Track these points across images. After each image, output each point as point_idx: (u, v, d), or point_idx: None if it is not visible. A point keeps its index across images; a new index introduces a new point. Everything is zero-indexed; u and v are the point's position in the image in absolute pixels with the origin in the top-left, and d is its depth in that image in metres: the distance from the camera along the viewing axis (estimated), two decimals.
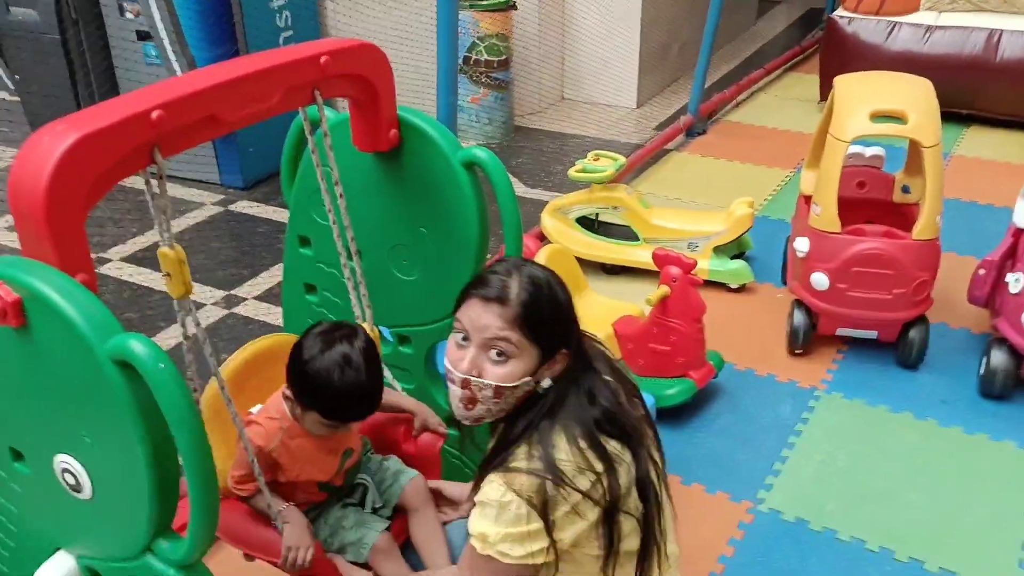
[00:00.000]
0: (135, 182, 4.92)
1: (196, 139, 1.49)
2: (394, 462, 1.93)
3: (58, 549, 1.51)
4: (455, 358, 1.50)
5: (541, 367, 1.49)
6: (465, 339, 1.49)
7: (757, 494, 2.56)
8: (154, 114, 1.36)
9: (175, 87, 1.45)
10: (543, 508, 1.41)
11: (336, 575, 1.74)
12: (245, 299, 3.59)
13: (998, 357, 2.84)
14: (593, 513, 1.43)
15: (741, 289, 3.57)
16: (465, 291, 1.51)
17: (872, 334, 3.06)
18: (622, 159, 3.58)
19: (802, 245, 3.01)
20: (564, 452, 1.43)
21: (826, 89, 5.27)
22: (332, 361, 1.64)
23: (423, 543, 1.84)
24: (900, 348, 3.05)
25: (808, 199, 3.17)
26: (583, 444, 1.44)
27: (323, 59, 1.65)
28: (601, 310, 2.98)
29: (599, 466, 1.43)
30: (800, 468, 2.67)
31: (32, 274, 1.25)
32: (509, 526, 1.42)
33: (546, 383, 1.50)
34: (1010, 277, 2.79)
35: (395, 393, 2.04)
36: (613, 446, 1.47)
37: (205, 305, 3.53)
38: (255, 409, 1.83)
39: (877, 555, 2.36)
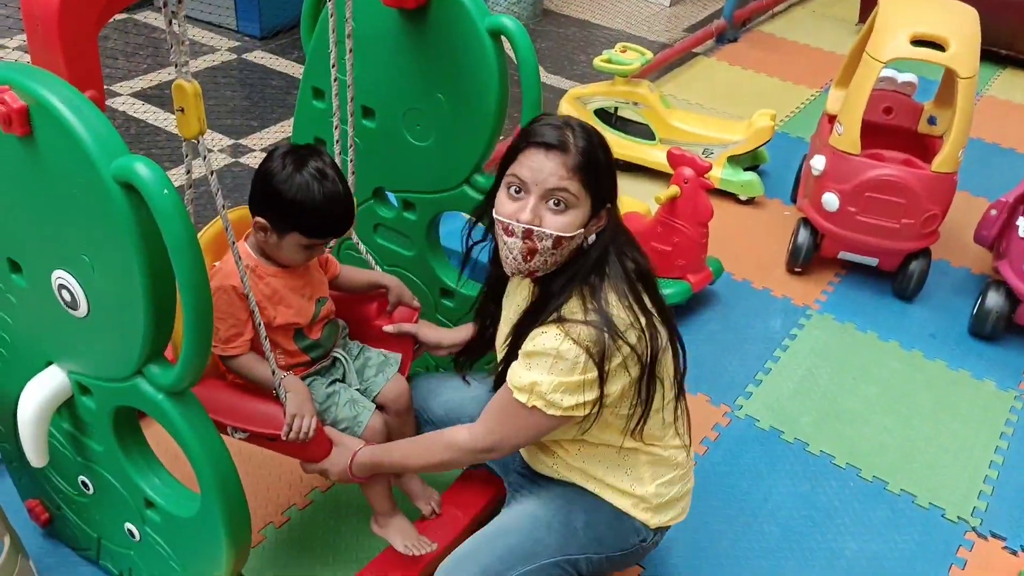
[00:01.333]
0: (149, 18, 4.80)
1: None
2: (376, 354, 1.95)
3: (50, 363, 1.54)
4: (511, 210, 1.50)
5: (590, 221, 1.52)
6: (519, 191, 1.51)
7: (736, 400, 2.61)
8: None
9: None
10: (600, 358, 1.46)
11: (330, 447, 1.74)
12: (252, 150, 3.56)
13: (994, 299, 2.84)
14: (635, 369, 1.51)
15: (750, 202, 3.54)
16: (518, 144, 1.52)
17: (873, 261, 3.05)
18: (649, 54, 3.49)
19: (818, 163, 2.97)
20: (616, 307, 1.49)
21: (866, 10, 5.11)
22: (308, 176, 1.64)
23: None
24: (899, 279, 3.06)
25: (832, 118, 3.11)
26: (630, 300, 1.51)
27: None
28: None
29: (643, 321, 1.50)
30: (781, 381, 2.71)
31: (40, 83, 1.23)
32: (564, 375, 1.47)
33: (592, 238, 1.54)
34: (1021, 220, 2.77)
35: (370, 272, 2.03)
36: (650, 306, 1.55)
37: (212, 152, 3.49)
38: (219, 263, 1.77)
39: (843, 471, 2.42)
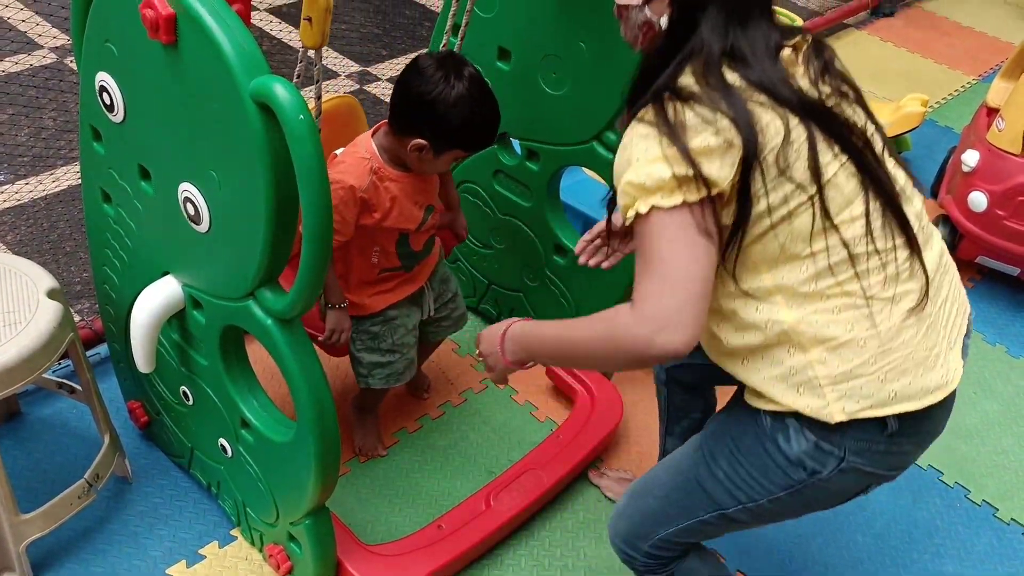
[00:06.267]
0: None
1: None
2: (454, 285, 2.01)
3: (167, 273, 1.55)
4: None
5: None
6: None
7: None
8: None
9: None
10: (671, 132, 1.17)
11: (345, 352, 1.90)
12: (379, 79, 3.54)
13: None
14: (738, 147, 1.18)
15: None
16: None
17: (1014, 271, 2.84)
18: (799, 20, 3.29)
19: (970, 159, 2.76)
20: (690, 81, 1.22)
21: None
22: (467, 92, 1.61)
23: None
24: None
25: (992, 111, 2.87)
26: (709, 78, 1.20)
27: None
28: None
29: (728, 97, 1.19)
30: None
31: None
32: (646, 153, 1.19)
33: (663, 20, 1.27)
34: None
35: (452, 185, 1.99)
36: (759, 99, 1.21)
37: (339, 76, 3.49)
38: (339, 152, 1.78)
39: (950, 490, 2.28)
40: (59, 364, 2.06)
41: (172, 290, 1.54)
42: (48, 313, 1.61)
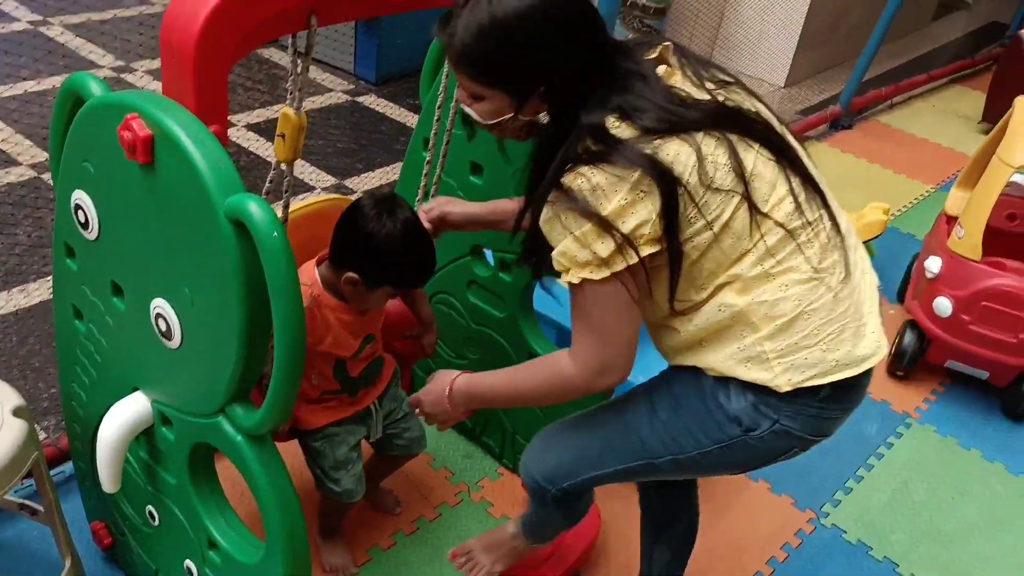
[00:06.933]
0: (274, 56, 4.96)
1: (354, 13, 1.45)
2: (407, 405, 1.94)
3: (136, 389, 1.53)
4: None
5: (524, 105, 1.33)
6: None
7: (822, 507, 2.46)
8: None
9: None
10: (586, 206, 1.25)
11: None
12: (354, 191, 3.60)
13: None
14: (655, 194, 1.25)
15: None
16: None
17: (983, 374, 2.87)
18: None
19: (933, 265, 2.83)
20: (590, 144, 1.28)
21: (992, 109, 4.94)
22: (401, 231, 1.64)
23: None
24: (1009, 396, 2.87)
25: (951, 219, 2.97)
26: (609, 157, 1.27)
27: None
28: None
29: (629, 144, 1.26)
30: (873, 491, 2.55)
31: (169, 114, 1.23)
32: (576, 226, 1.27)
33: (543, 116, 1.34)
34: None
35: (425, 303, 2.01)
36: (657, 141, 1.26)
37: (315, 189, 3.55)
38: None
39: None
40: (22, 483, 2.00)
41: (141, 406, 1.51)
42: (13, 432, 1.58)
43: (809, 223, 1.35)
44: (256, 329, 1.27)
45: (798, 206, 1.34)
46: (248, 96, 4.20)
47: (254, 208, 1.17)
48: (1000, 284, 2.68)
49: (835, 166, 4.50)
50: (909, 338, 2.94)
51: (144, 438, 1.56)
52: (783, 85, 5.39)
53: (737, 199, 1.29)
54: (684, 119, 1.29)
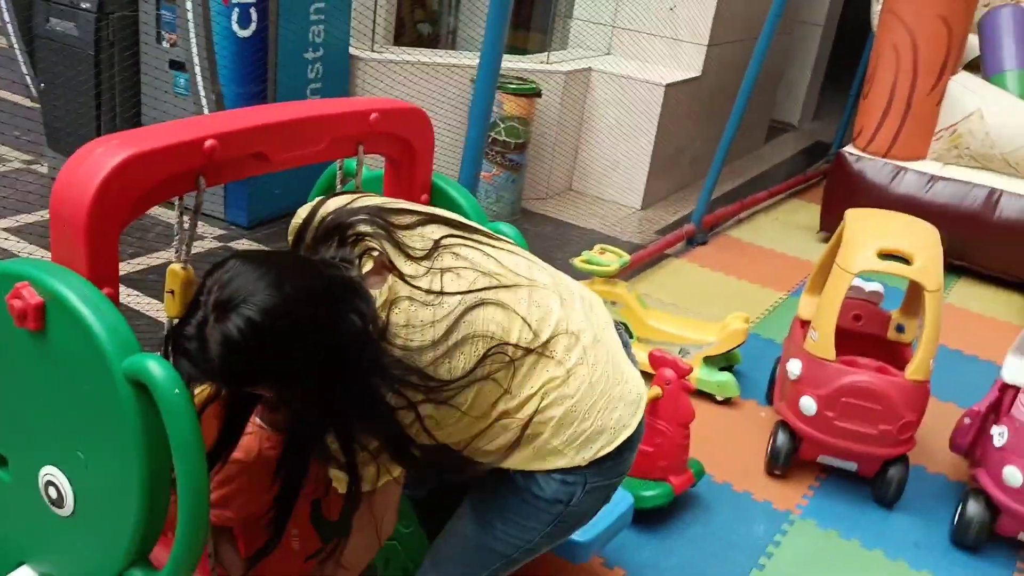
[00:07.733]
0: None
1: (240, 173, 1.51)
2: None
3: (23, 563, 1.46)
4: None
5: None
6: None
7: None
8: (207, 143, 1.38)
9: (229, 120, 1.48)
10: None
11: None
12: None
13: (974, 508, 2.84)
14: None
15: (726, 402, 3.58)
16: None
17: (852, 466, 3.06)
18: (627, 256, 3.63)
19: (795, 368, 3.04)
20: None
21: (827, 219, 5.41)
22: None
23: None
24: (878, 485, 3.05)
25: (805, 323, 3.21)
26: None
27: (373, 116, 1.68)
28: None
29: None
30: None
31: (61, 280, 1.24)
32: None
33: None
34: (995, 430, 2.82)
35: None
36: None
37: None
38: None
39: None
40: None
41: None
42: None
43: (556, 333, 1.52)
44: (157, 492, 1.26)
45: (528, 326, 1.50)
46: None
47: (154, 367, 1.18)
48: (856, 381, 2.90)
49: (695, 280, 4.79)
50: (782, 438, 3.11)
51: None
52: (640, 208, 5.74)
53: (482, 364, 1.45)
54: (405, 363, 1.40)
